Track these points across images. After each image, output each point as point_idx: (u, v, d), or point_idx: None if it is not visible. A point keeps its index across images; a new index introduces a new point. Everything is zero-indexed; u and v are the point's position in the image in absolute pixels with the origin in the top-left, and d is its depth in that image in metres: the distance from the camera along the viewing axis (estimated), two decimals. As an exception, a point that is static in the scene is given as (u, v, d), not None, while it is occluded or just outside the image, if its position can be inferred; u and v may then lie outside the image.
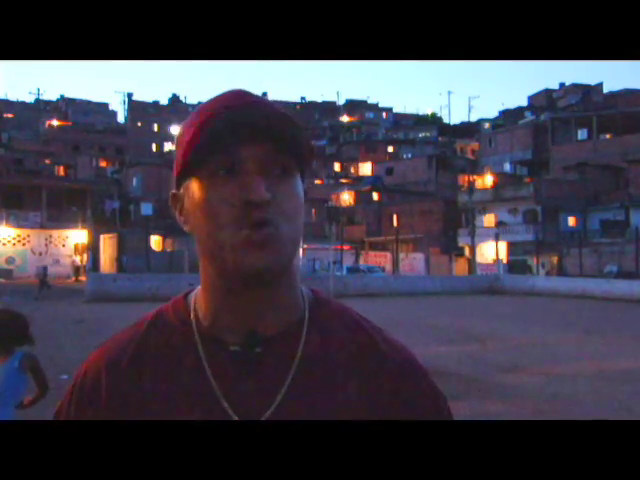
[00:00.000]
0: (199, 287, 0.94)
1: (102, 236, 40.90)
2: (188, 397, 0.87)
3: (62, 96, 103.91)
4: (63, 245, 42.39)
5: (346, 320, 0.94)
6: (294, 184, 0.87)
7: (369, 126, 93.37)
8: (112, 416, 0.88)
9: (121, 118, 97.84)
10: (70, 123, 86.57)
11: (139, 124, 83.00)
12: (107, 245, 40.54)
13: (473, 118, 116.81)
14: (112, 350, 0.93)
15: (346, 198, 61.37)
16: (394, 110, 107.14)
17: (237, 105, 0.85)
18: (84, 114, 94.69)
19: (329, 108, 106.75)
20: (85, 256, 40.06)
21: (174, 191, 0.91)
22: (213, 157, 0.84)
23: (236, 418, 0.85)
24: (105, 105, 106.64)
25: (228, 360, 0.87)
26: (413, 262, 42.48)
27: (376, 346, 0.92)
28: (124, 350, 0.92)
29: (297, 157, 0.87)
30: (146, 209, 52.73)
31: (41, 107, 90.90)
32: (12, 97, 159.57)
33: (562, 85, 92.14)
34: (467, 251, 45.06)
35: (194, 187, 0.86)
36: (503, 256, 41.40)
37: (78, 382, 0.94)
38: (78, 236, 42.04)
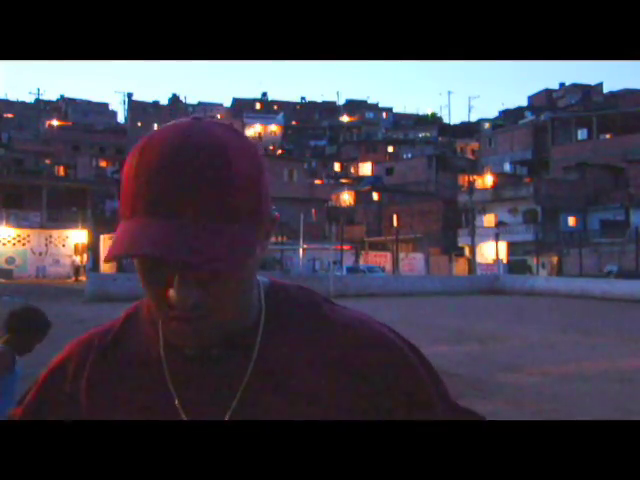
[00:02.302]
0: None
1: (102, 236, 40.86)
2: (146, 395, 0.88)
3: (62, 96, 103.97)
4: (63, 245, 42.37)
5: (303, 309, 0.91)
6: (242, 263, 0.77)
7: (369, 126, 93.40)
8: (76, 412, 0.90)
9: (121, 118, 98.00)
10: (70, 123, 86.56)
11: (139, 124, 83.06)
12: (107, 245, 40.46)
13: (473, 118, 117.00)
14: (81, 345, 0.95)
15: (346, 198, 61.40)
16: (394, 110, 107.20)
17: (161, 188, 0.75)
18: (84, 114, 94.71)
19: (329, 108, 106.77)
20: (85, 256, 40.04)
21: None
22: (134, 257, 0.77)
23: (186, 418, 0.85)
24: (105, 105, 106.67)
25: (185, 362, 0.86)
26: (413, 262, 42.47)
27: (334, 331, 0.89)
28: (91, 348, 0.93)
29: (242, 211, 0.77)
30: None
31: (41, 107, 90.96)
32: (12, 97, 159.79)
33: (562, 85, 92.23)
34: (467, 251, 45.06)
35: None
36: (503, 256, 41.40)
37: (49, 372, 0.95)
38: (78, 236, 42.03)
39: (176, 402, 0.85)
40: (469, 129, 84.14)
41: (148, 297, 0.82)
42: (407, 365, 0.91)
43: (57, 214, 42.09)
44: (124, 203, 0.77)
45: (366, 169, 77.78)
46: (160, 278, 0.78)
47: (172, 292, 0.77)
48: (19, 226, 41.18)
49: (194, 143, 0.76)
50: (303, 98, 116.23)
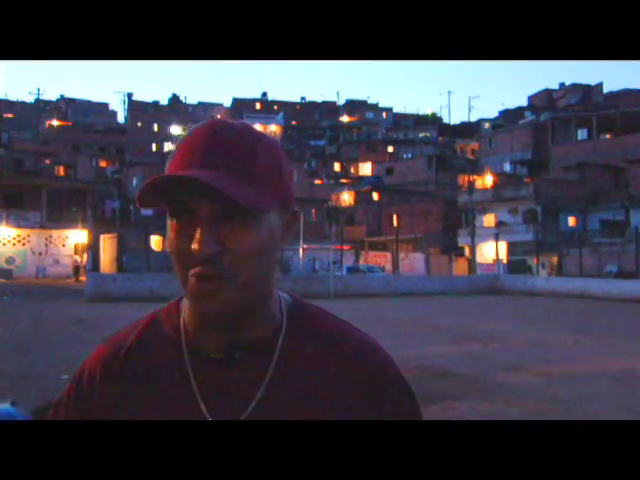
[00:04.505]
0: None
1: (102, 236, 40.90)
2: (172, 399, 0.93)
3: (62, 96, 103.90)
4: (63, 245, 42.38)
5: (320, 325, 0.99)
6: (257, 225, 0.87)
7: (369, 126, 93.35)
8: (104, 414, 0.95)
9: (121, 118, 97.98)
10: (70, 123, 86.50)
11: (139, 124, 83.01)
12: (107, 245, 40.55)
13: (473, 118, 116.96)
14: (108, 351, 1.00)
15: (346, 198, 61.40)
16: (394, 110, 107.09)
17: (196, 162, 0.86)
18: (84, 114, 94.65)
19: (329, 108, 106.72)
20: (85, 256, 40.04)
21: None
22: (167, 202, 0.87)
23: (210, 419, 0.91)
24: (105, 105, 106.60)
25: (209, 366, 0.93)
26: (413, 262, 42.48)
27: (349, 353, 0.96)
28: (118, 352, 0.98)
29: (269, 194, 0.88)
30: (146, 209, 52.75)
31: (41, 107, 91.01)
32: (12, 97, 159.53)
33: (562, 85, 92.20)
34: (467, 251, 45.06)
35: (168, 219, 0.90)
36: (503, 256, 41.39)
37: (77, 378, 1.00)
38: (78, 236, 42.02)
39: (200, 403, 0.92)
40: (469, 129, 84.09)
41: (173, 257, 0.88)
42: (403, 388, 0.99)
43: (57, 214, 42.10)
44: (174, 162, 0.88)
45: (366, 169, 77.78)
46: (188, 232, 0.85)
47: (194, 244, 0.84)
48: (19, 226, 41.19)
49: (231, 125, 0.91)
50: (303, 98, 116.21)
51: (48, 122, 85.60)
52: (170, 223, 0.88)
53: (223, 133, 0.89)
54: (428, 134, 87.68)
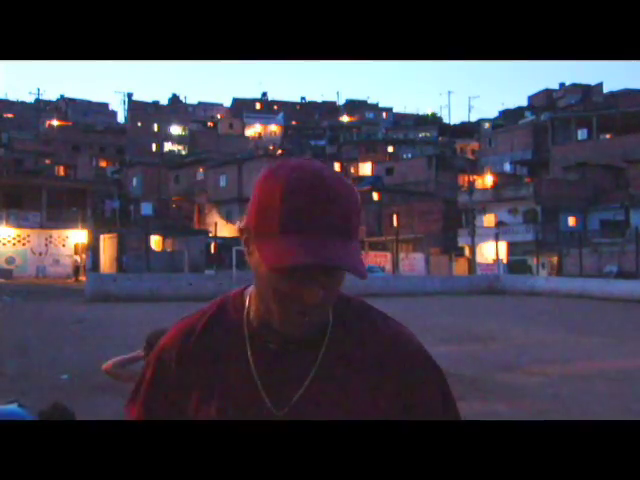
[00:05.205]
0: (254, 288, 1.11)
1: (102, 236, 40.86)
2: (235, 381, 1.10)
3: (62, 96, 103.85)
4: (63, 245, 42.35)
5: (363, 317, 1.14)
6: (343, 273, 1.03)
7: (369, 126, 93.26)
8: (180, 388, 1.12)
9: (121, 118, 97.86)
10: (70, 123, 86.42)
11: (139, 124, 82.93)
12: (107, 245, 40.52)
13: (473, 118, 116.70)
14: (182, 331, 1.16)
15: (346, 198, 61.31)
16: (394, 110, 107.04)
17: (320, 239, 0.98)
18: (84, 114, 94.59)
19: (329, 108, 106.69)
20: (85, 256, 40.03)
21: (242, 227, 1.06)
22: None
23: (268, 401, 1.07)
24: (105, 105, 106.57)
25: (267, 354, 1.09)
26: (413, 262, 42.45)
27: (386, 342, 1.11)
28: (191, 334, 1.14)
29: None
30: (146, 209, 52.70)
31: (41, 107, 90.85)
32: (12, 97, 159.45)
33: (562, 85, 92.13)
34: (467, 251, 45.03)
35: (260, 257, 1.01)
36: (503, 256, 41.37)
37: (157, 354, 1.17)
38: (78, 236, 42.00)
39: (259, 384, 1.08)
40: (469, 129, 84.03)
41: (276, 298, 1.01)
42: (432, 367, 1.14)
43: (57, 214, 42.08)
44: (274, 218, 0.98)
45: (366, 169, 77.72)
46: (296, 283, 0.99)
47: (308, 294, 0.99)
48: (19, 226, 41.16)
49: (331, 178, 1.02)
50: (303, 98, 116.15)
51: (48, 122, 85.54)
52: (280, 274, 0.99)
53: (336, 189, 1.01)
54: (428, 134, 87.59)
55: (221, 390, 1.09)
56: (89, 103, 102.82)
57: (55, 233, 42.12)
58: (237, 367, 1.09)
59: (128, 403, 1.17)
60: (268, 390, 1.07)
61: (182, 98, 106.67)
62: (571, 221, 44.87)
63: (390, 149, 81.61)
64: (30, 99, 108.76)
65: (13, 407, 2.46)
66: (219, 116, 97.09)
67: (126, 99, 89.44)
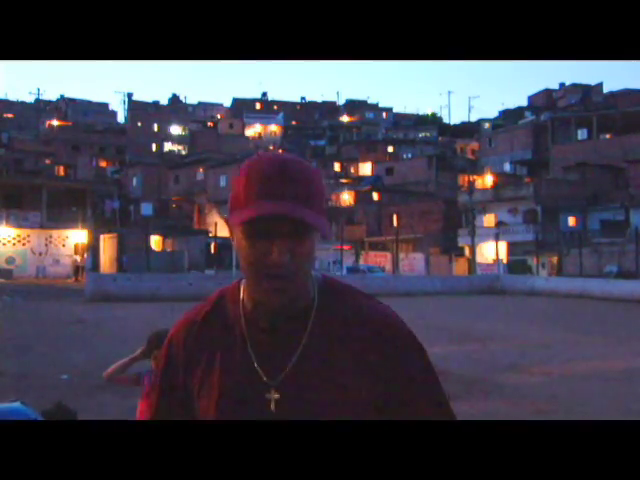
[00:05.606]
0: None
1: (102, 236, 40.87)
2: (235, 358, 1.23)
3: (62, 96, 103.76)
4: (63, 245, 42.35)
5: (346, 296, 1.26)
6: (311, 239, 1.15)
7: (369, 126, 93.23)
8: (185, 373, 1.25)
9: (121, 118, 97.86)
10: (70, 123, 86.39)
11: (139, 124, 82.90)
12: (107, 245, 40.53)
13: (473, 118, 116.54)
14: (189, 319, 1.31)
15: (346, 198, 61.35)
16: (394, 110, 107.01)
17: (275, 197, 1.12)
18: (84, 114, 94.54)
19: (329, 108, 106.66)
20: (85, 256, 40.02)
21: (226, 217, 1.22)
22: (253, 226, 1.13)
23: (263, 374, 1.20)
24: (105, 105, 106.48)
25: (260, 333, 1.22)
26: (413, 262, 42.45)
27: (368, 318, 1.22)
28: (195, 321, 1.29)
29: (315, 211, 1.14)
30: (146, 209, 52.71)
31: (41, 107, 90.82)
32: (12, 97, 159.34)
33: (562, 85, 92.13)
34: (467, 251, 45.03)
35: (237, 234, 1.17)
36: (503, 256, 41.36)
37: (166, 347, 1.32)
38: (78, 236, 42.00)
39: (254, 360, 1.21)
40: (469, 129, 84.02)
41: (249, 264, 1.15)
42: (412, 341, 1.24)
43: (57, 214, 42.08)
44: (242, 197, 1.15)
45: (366, 169, 77.70)
46: (262, 246, 1.13)
47: (272, 255, 1.11)
48: (19, 226, 41.16)
49: (292, 160, 1.17)
50: (303, 98, 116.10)
51: (48, 122, 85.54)
52: (245, 240, 1.14)
53: (290, 167, 1.14)
54: (428, 134, 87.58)
55: (221, 365, 1.22)
56: (89, 103, 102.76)
57: (55, 233, 42.12)
58: (235, 344, 1.23)
59: (144, 397, 1.32)
60: (262, 363, 1.21)
61: (182, 98, 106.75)
62: (571, 221, 44.86)
63: (390, 149, 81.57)
64: (30, 99, 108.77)
65: (17, 405, 2.48)
66: (219, 116, 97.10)
67: (126, 99, 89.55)
